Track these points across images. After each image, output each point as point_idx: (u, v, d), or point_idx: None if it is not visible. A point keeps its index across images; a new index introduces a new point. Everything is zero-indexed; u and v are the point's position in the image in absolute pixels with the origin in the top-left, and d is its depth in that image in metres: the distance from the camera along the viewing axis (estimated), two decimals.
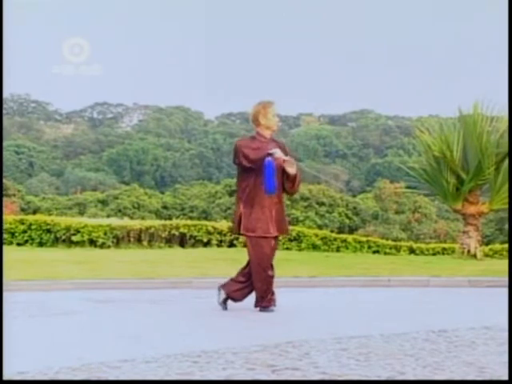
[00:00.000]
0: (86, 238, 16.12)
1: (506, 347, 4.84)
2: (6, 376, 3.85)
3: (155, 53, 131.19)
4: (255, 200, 6.78)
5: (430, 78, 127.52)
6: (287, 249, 17.04)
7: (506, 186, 15.58)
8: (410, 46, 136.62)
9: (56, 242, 16.14)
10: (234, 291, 6.89)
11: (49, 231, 16.21)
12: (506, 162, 15.63)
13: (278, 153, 6.73)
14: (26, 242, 16.09)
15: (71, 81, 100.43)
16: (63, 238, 16.15)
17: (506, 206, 16.38)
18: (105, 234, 16.31)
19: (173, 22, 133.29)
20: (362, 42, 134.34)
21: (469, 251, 15.76)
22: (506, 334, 5.36)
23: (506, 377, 3.97)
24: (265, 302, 6.82)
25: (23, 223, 16.25)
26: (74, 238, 16.08)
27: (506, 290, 8.60)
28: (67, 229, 16.18)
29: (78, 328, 5.97)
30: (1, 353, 4.12)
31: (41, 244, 16.08)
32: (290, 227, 18.72)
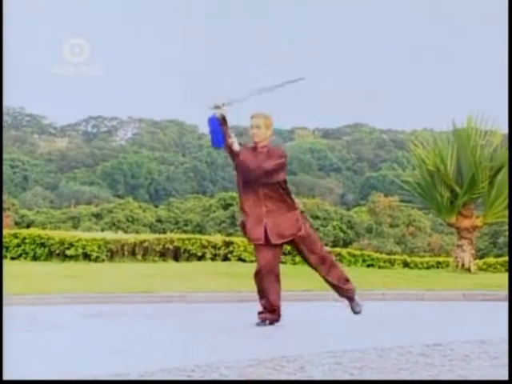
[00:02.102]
0: (80, 251, 16.08)
1: (500, 361, 4.84)
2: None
3: (150, 66, 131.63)
4: (247, 207, 6.91)
5: (424, 91, 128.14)
6: (282, 263, 17.00)
7: (500, 200, 15.64)
8: (403, 59, 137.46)
9: (50, 255, 16.07)
10: None
11: (43, 245, 16.15)
12: (500, 175, 15.69)
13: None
14: (20, 255, 16.02)
15: (64, 93, 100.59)
16: (57, 251, 16.09)
17: (500, 220, 16.44)
18: (99, 247, 16.27)
19: (168, 35, 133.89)
20: (355, 55, 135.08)
21: (463, 265, 15.78)
22: (500, 348, 5.36)
23: None
24: (266, 312, 6.86)
25: (17, 237, 16.18)
26: (67, 252, 16.03)
27: (500, 304, 8.61)
28: (61, 243, 16.13)
29: (71, 342, 5.95)
30: (1, 353, 4.13)
31: (35, 258, 16.01)
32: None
